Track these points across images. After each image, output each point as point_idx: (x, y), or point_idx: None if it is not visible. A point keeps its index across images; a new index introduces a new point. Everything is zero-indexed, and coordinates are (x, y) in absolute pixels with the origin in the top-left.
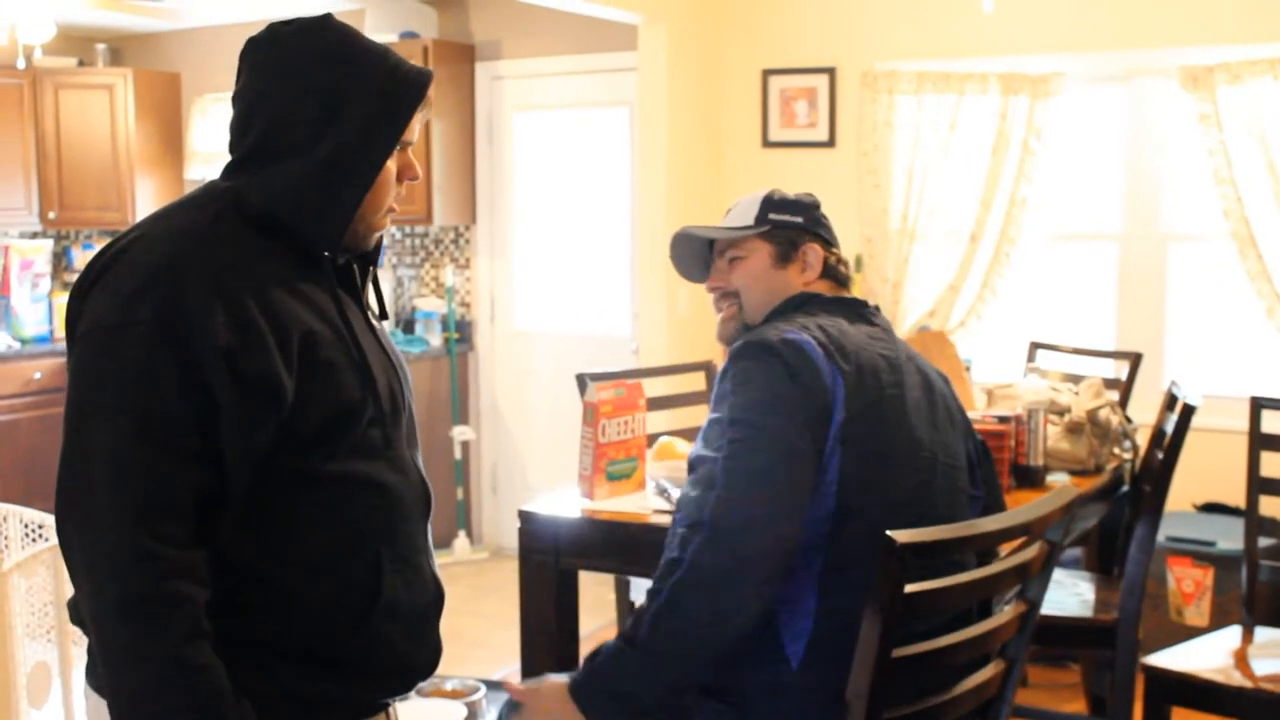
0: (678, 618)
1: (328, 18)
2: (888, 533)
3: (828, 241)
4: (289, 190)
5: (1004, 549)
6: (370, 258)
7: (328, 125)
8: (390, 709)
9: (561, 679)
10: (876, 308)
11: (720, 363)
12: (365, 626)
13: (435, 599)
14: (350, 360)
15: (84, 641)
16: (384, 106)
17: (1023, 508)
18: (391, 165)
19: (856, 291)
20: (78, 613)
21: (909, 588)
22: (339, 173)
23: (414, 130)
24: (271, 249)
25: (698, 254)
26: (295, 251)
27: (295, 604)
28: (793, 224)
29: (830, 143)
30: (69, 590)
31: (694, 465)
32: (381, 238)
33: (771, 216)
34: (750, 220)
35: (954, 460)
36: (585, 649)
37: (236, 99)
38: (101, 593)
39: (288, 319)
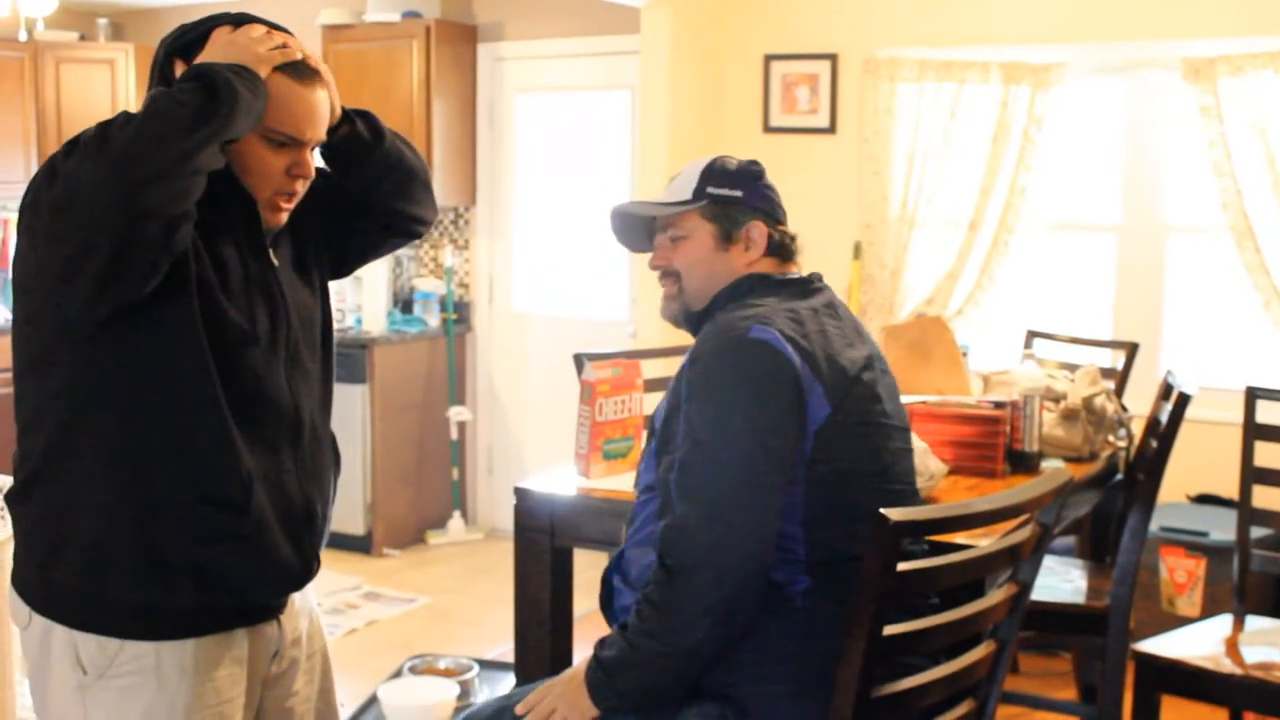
0: (665, 622)
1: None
2: (881, 510)
3: (770, 215)
4: None
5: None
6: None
7: None
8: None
9: (568, 673)
10: (819, 276)
11: None
12: None
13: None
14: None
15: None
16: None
17: (1016, 489)
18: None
19: (854, 279)
20: None
21: (901, 566)
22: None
23: (295, 126)
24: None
25: (640, 224)
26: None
27: None
28: (731, 199)
29: (831, 129)
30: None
31: (664, 441)
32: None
33: (710, 190)
34: (688, 194)
35: (905, 422)
36: (579, 630)
37: None
38: None
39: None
